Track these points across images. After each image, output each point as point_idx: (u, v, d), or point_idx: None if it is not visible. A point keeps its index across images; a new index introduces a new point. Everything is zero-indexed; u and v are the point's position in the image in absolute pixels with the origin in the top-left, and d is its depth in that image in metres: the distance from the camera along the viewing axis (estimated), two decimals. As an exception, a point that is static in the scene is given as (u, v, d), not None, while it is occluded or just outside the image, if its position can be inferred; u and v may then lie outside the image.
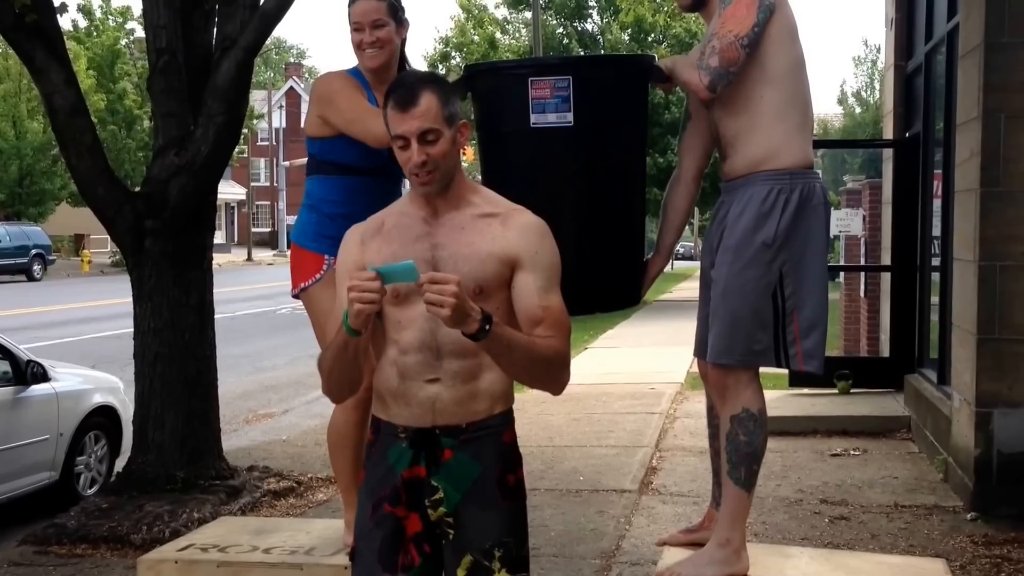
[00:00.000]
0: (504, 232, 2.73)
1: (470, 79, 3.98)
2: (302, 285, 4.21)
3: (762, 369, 3.94)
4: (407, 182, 2.86)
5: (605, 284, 3.98)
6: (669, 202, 4.14)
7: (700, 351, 4.09)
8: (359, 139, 3.95)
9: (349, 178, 4.12)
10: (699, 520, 4.42)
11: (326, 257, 4.09)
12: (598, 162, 3.84)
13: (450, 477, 2.73)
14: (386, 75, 4.05)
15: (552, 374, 2.73)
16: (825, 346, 3.92)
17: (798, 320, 3.79)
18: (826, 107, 58.84)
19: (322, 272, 4.12)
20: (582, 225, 3.82)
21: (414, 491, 2.75)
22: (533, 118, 3.75)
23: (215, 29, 7.04)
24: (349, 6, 4.07)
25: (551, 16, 28.37)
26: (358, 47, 4.05)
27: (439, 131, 2.68)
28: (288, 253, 4.57)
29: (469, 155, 23.26)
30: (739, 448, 3.83)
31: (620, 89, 3.89)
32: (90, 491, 7.46)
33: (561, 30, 28.34)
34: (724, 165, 3.94)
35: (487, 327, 2.51)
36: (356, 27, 4.03)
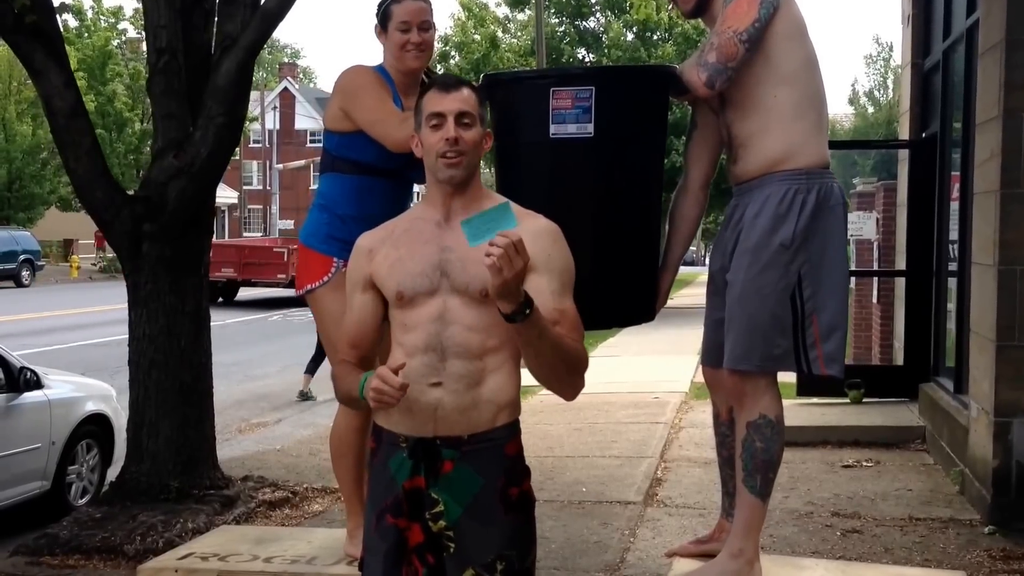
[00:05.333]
0: None
1: (489, 88, 3.91)
2: (309, 287, 4.15)
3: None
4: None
5: (622, 298, 3.92)
6: (677, 212, 4.11)
7: (708, 358, 4.05)
8: (378, 140, 3.88)
9: (364, 178, 4.04)
10: (707, 532, 4.34)
11: (334, 259, 4.03)
12: (617, 174, 3.76)
13: (451, 490, 2.72)
14: (416, 78, 4.04)
15: (575, 373, 2.73)
16: (845, 349, 3.82)
17: (818, 323, 3.75)
18: (836, 107, 58.53)
19: (330, 275, 4.06)
20: (600, 238, 3.75)
21: (415, 502, 2.73)
22: (553, 129, 3.68)
23: (215, 29, 6.93)
24: (392, 3, 3.99)
25: (552, 15, 28.21)
26: (402, 47, 3.98)
27: (475, 118, 2.75)
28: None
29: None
30: (755, 455, 3.78)
31: (641, 100, 3.82)
32: (81, 501, 7.36)
33: (562, 29, 28.21)
34: (735, 167, 3.90)
35: (527, 311, 2.50)
36: (403, 27, 3.97)
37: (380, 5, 4.04)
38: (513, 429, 2.79)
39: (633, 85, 3.89)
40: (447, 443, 2.70)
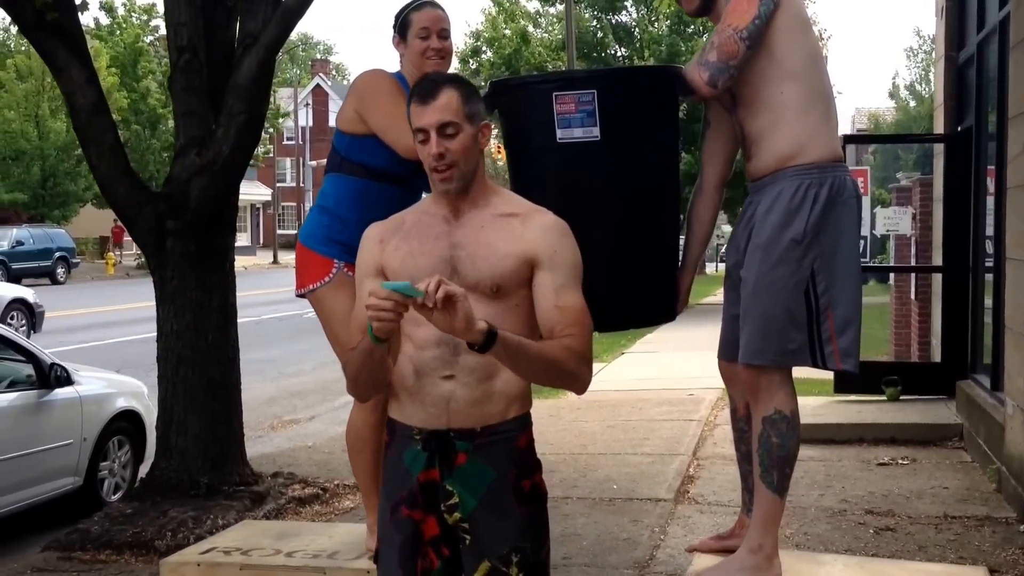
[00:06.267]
0: (523, 231, 2.73)
1: (495, 95, 3.93)
2: (310, 287, 4.16)
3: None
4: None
5: (639, 300, 3.90)
6: (693, 214, 4.11)
7: (724, 352, 4.05)
8: (391, 145, 3.91)
9: (371, 183, 4.06)
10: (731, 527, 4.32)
11: (335, 261, 4.04)
12: (628, 176, 3.75)
13: (465, 482, 2.74)
14: None
15: (570, 374, 2.70)
16: (860, 343, 3.81)
17: (833, 318, 3.74)
18: (878, 101, 58.08)
19: (330, 275, 4.07)
20: (614, 241, 3.75)
21: (430, 494, 2.76)
22: (559, 133, 3.69)
23: (237, 26, 6.95)
24: (411, 12, 4.02)
25: (584, 9, 28.07)
26: (422, 54, 4.00)
27: (459, 125, 2.70)
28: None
29: (502, 153, 23.06)
30: (771, 451, 3.77)
31: (647, 101, 3.81)
32: (114, 497, 7.40)
33: (595, 23, 28.08)
34: (749, 165, 3.89)
35: (491, 340, 2.49)
36: (423, 34, 3.99)
37: (398, 15, 4.06)
38: (524, 422, 2.81)
39: (635, 87, 3.88)
40: (460, 435, 2.72)
